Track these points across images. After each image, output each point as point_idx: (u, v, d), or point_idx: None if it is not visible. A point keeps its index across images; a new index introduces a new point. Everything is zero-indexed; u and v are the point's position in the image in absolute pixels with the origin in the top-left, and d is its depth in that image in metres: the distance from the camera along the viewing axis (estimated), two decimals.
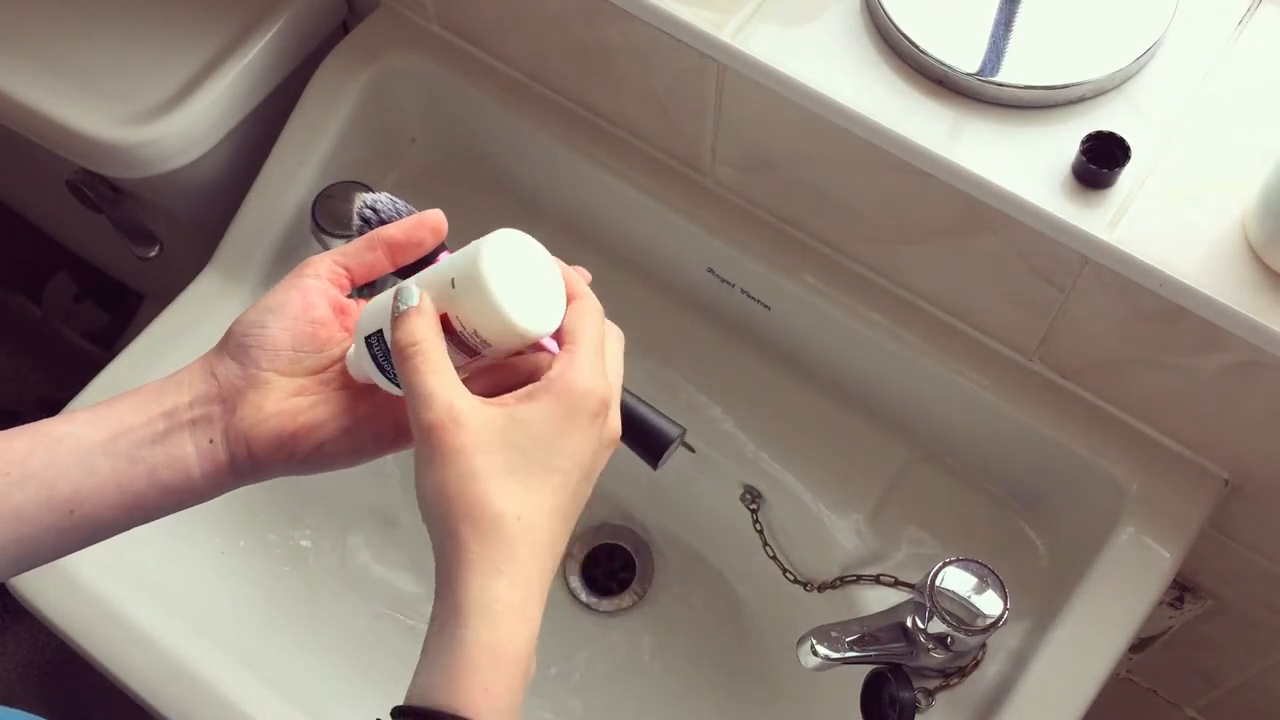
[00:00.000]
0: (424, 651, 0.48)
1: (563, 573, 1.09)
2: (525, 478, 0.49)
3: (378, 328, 0.53)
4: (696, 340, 1.00)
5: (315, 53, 1.07)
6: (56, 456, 0.52)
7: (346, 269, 0.56)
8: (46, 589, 0.88)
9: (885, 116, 0.76)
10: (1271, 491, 0.83)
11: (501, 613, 0.47)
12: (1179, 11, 0.77)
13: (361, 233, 0.58)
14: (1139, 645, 1.10)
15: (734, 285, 0.96)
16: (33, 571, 0.87)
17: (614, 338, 0.55)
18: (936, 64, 0.76)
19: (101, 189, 1.11)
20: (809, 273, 0.91)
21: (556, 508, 0.50)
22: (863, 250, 0.89)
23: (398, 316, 0.51)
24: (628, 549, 1.10)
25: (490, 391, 0.51)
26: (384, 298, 0.54)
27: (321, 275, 0.56)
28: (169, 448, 0.54)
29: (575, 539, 1.11)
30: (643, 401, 0.59)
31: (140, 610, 0.87)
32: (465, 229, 0.59)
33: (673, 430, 0.58)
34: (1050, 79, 0.75)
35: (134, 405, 0.54)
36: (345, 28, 1.10)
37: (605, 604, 1.08)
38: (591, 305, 0.54)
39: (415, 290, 0.51)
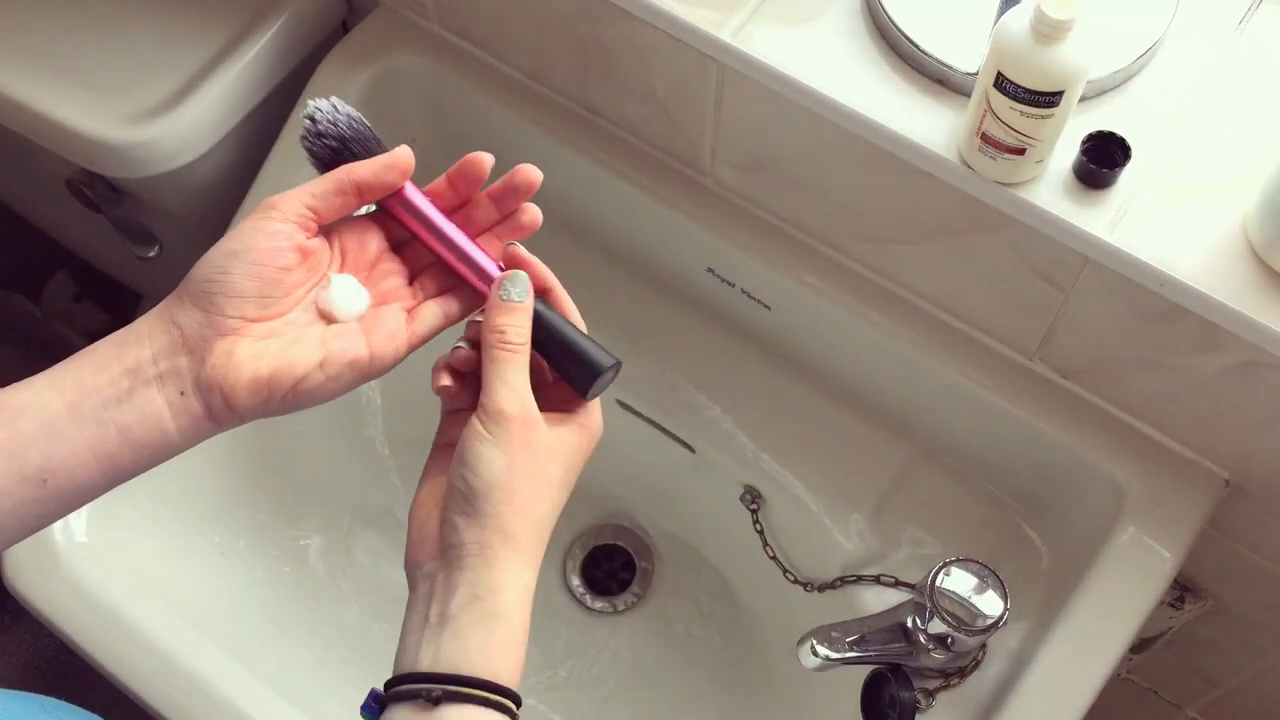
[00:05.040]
0: (449, 619, 0.52)
1: (563, 573, 1.09)
2: (562, 490, 0.56)
3: None
4: (696, 340, 1.00)
5: (315, 53, 1.06)
6: (20, 427, 0.51)
7: (314, 212, 0.55)
8: (46, 589, 0.88)
9: (885, 116, 0.76)
10: (1272, 491, 0.83)
11: (528, 601, 0.54)
12: (1179, 11, 0.77)
13: (306, 139, 0.57)
14: (1139, 645, 1.09)
15: (734, 285, 0.96)
16: (33, 572, 0.88)
17: None
18: (936, 64, 0.76)
19: (101, 189, 1.11)
20: (809, 273, 0.91)
21: (559, 509, 0.57)
22: (863, 250, 0.89)
23: (505, 304, 0.55)
24: (628, 549, 1.10)
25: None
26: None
27: (289, 219, 0.54)
28: (138, 405, 0.52)
29: (576, 539, 1.11)
30: (574, 328, 0.58)
31: (140, 610, 0.87)
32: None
33: (604, 359, 0.57)
34: None
35: (94, 365, 0.53)
36: (345, 28, 1.10)
37: (605, 604, 1.08)
38: None
39: (528, 284, 0.56)
